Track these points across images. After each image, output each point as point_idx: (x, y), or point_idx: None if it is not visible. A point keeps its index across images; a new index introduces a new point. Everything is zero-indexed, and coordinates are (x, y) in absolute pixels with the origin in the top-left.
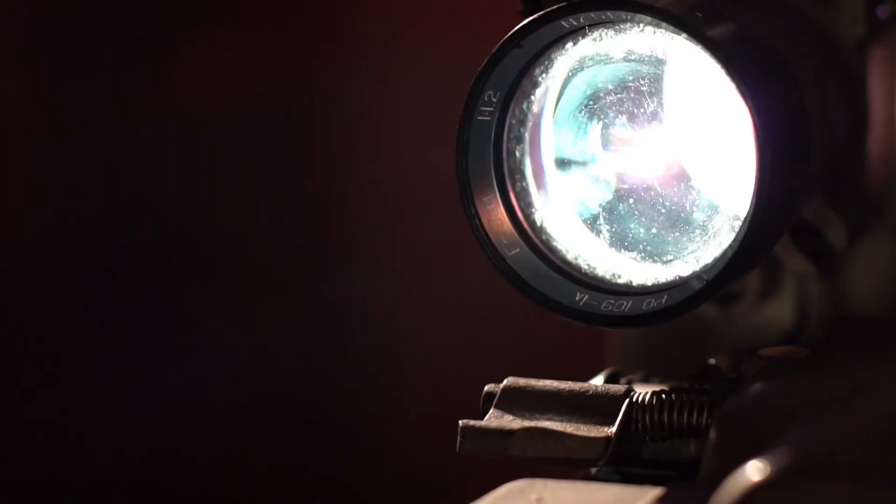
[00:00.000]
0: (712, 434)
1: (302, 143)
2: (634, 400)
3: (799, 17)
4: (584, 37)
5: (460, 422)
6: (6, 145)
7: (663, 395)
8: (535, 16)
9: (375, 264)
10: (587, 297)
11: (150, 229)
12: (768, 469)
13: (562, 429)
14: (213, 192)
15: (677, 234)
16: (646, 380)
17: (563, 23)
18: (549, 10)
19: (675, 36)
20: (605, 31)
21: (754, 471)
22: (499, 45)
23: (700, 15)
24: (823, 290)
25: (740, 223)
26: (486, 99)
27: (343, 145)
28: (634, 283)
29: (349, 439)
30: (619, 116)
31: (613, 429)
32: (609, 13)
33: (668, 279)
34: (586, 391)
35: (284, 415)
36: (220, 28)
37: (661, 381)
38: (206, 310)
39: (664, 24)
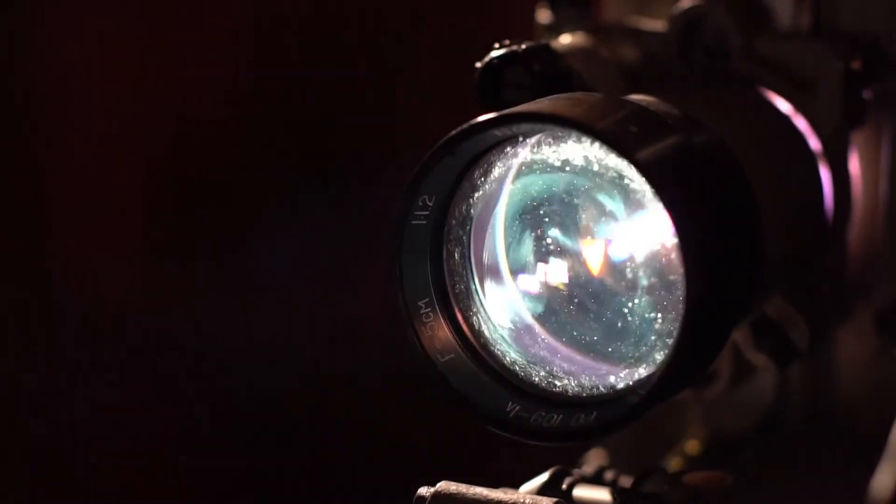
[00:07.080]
0: None
1: None
2: None
3: (768, 108)
4: (522, 143)
5: None
6: None
7: None
8: (463, 126)
9: None
10: (518, 408)
11: None
12: None
13: None
14: None
15: (610, 348)
16: (597, 478)
17: (496, 132)
18: (476, 121)
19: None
20: (543, 138)
21: None
22: (431, 151)
23: (634, 129)
24: (804, 373)
25: (674, 338)
26: (420, 204)
27: None
28: (570, 392)
29: None
30: (553, 228)
31: None
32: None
33: (603, 391)
34: (514, 503)
35: None
36: None
37: (603, 482)
38: None
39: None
